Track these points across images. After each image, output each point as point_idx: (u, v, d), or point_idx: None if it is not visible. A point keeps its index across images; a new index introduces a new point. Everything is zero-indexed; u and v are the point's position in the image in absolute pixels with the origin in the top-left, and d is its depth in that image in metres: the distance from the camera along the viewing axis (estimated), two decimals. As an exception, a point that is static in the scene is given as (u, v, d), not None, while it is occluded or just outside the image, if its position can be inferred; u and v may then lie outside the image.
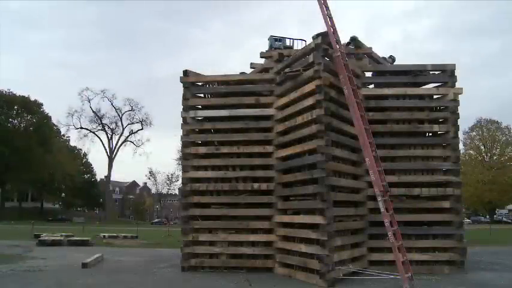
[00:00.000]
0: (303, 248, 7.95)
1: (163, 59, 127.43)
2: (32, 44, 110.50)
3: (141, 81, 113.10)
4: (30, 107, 51.09)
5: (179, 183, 59.29)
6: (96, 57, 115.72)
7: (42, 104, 52.77)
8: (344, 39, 9.68)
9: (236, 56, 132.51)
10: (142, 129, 59.75)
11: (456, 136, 9.23)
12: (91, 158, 78.59)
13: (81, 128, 57.18)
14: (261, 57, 9.96)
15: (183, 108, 9.59)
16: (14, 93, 50.43)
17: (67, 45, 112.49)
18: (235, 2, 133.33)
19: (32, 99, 51.62)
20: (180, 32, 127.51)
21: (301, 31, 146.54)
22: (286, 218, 8.70)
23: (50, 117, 54.68)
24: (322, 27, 8.92)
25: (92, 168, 69.72)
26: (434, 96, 9.50)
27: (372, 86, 9.82)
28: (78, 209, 70.44)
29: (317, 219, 7.63)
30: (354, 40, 9.57)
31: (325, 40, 8.17)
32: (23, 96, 50.74)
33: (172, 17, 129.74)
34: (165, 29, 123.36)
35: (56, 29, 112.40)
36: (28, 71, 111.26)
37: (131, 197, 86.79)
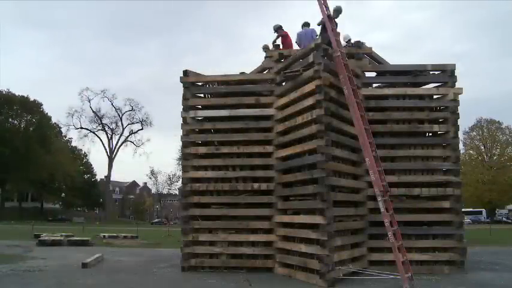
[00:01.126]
0: (303, 248, 7.94)
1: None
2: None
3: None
4: (29, 106, 51.15)
5: (179, 183, 59.31)
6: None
7: (41, 104, 52.90)
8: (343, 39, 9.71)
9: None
10: (142, 129, 60.01)
11: (456, 136, 9.22)
12: (91, 158, 78.80)
13: (81, 128, 57.36)
14: (266, 57, 9.94)
15: (183, 108, 9.58)
16: (13, 93, 50.54)
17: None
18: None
19: (31, 99, 51.77)
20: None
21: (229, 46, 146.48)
22: (286, 218, 8.70)
23: (50, 117, 54.83)
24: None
25: (92, 168, 69.92)
26: (434, 96, 9.48)
27: (374, 85, 9.86)
28: (78, 209, 70.44)
29: (317, 219, 7.63)
30: (337, 12, 9.05)
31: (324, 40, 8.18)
32: (22, 96, 50.78)
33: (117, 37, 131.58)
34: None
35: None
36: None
37: (131, 197, 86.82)
